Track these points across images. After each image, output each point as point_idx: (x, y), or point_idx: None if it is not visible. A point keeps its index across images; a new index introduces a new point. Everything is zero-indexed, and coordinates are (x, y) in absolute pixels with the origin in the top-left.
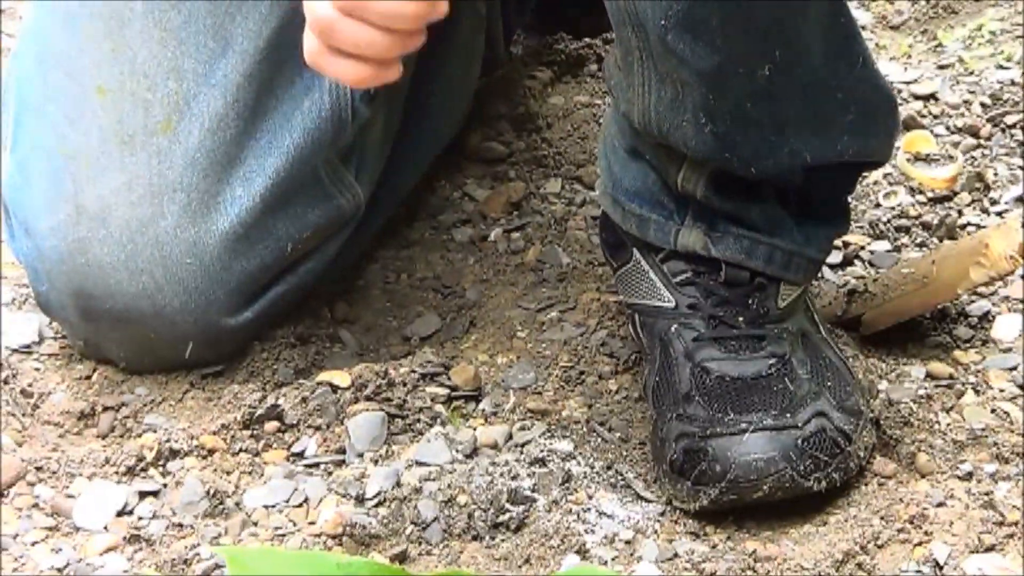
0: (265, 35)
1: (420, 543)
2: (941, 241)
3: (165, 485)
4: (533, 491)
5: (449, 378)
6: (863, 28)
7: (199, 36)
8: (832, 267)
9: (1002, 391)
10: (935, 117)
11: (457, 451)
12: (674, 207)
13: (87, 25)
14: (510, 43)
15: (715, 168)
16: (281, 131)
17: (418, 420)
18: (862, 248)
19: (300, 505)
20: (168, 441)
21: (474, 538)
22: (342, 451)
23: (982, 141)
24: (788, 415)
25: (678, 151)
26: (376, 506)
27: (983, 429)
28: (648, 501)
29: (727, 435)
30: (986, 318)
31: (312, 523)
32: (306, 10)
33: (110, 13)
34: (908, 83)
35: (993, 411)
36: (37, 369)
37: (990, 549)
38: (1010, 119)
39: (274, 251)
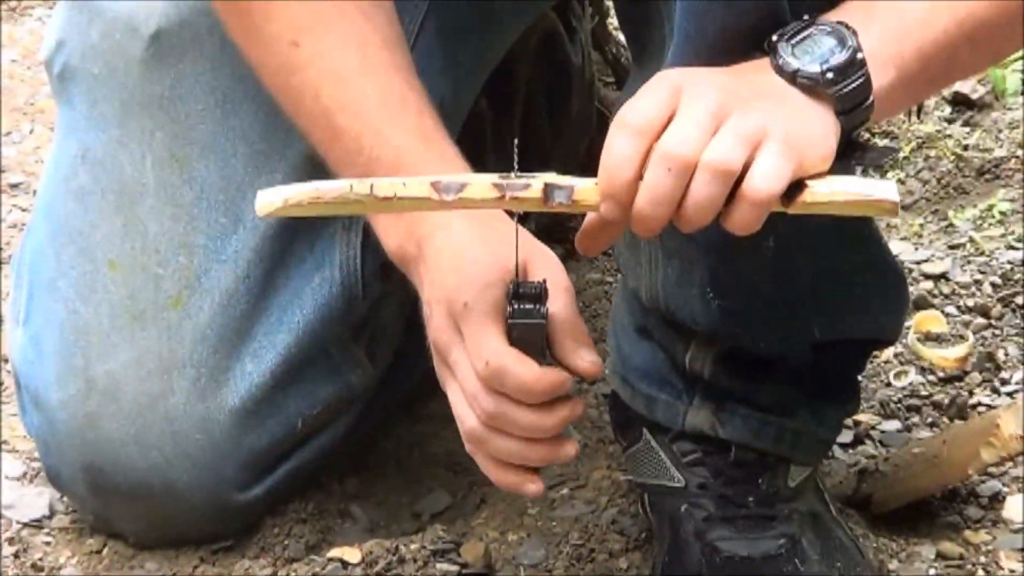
0: None
1: None
2: (952, 421)
3: None
4: None
5: (460, 555)
6: None
7: (210, 212)
8: (843, 446)
9: (1012, 571)
10: (946, 297)
11: None
12: (683, 387)
13: (99, 200)
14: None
15: (724, 347)
16: (291, 307)
17: None
18: (872, 427)
19: None
20: None
21: None
22: None
23: (993, 321)
24: None
25: (686, 329)
26: None
27: None
28: None
29: None
30: (996, 498)
31: None
32: (457, 420)
33: (122, 188)
34: (919, 263)
35: None
36: (48, 543)
37: None
38: (1021, 299)
39: (284, 427)
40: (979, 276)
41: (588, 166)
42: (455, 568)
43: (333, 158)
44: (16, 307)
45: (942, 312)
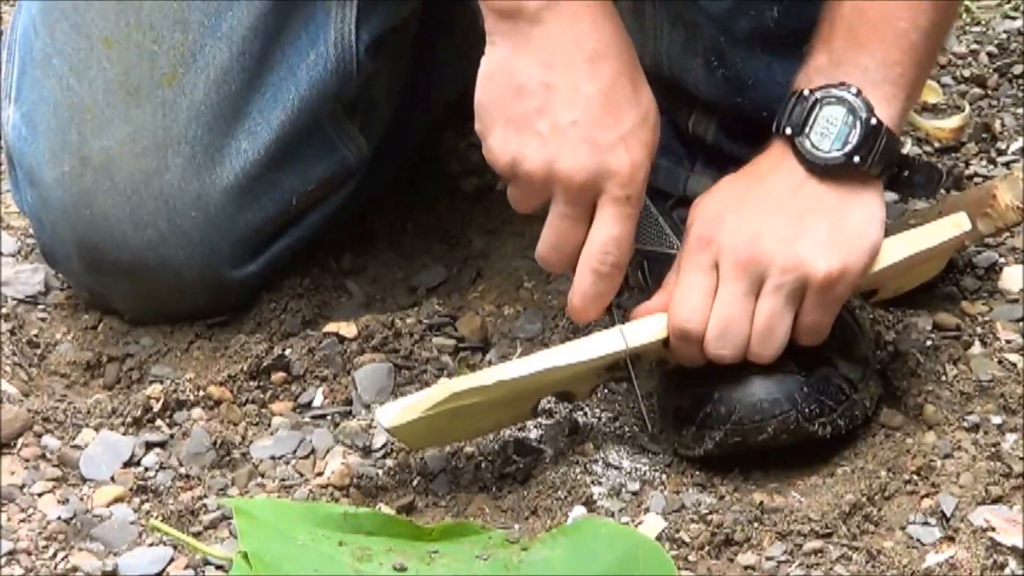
0: None
1: (427, 494)
2: (948, 191)
3: (172, 436)
4: (540, 442)
5: (456, 329)
6: None
7: None
8: None
9: (1009, 342)
10: (942, 67)
11: None
12: (684, 153)
13: None
14: None
15: (726, 113)
16: (286, 84)
17: (425, 371)
18: None
19: (307, 456)
20: (175, 392)
21: (481, 489)
22: (349, 402)
23: (989, 91)
24: (793, 361)
25: (689, 96)
26: (383, 457)
27: (990, 380)
28: (655, 453)
29: (732, 380)
30: (993, 269)
31: (319, 474)
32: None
33: None
34: None
35: (1000, 362)
36: (43, 320)
37: (997, 500)
38: (1017, 69)
39: (279, 204)
40: (975, 46)
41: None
42: (451, 342)
43: None
44: (7, 84)
45: (938, 82)
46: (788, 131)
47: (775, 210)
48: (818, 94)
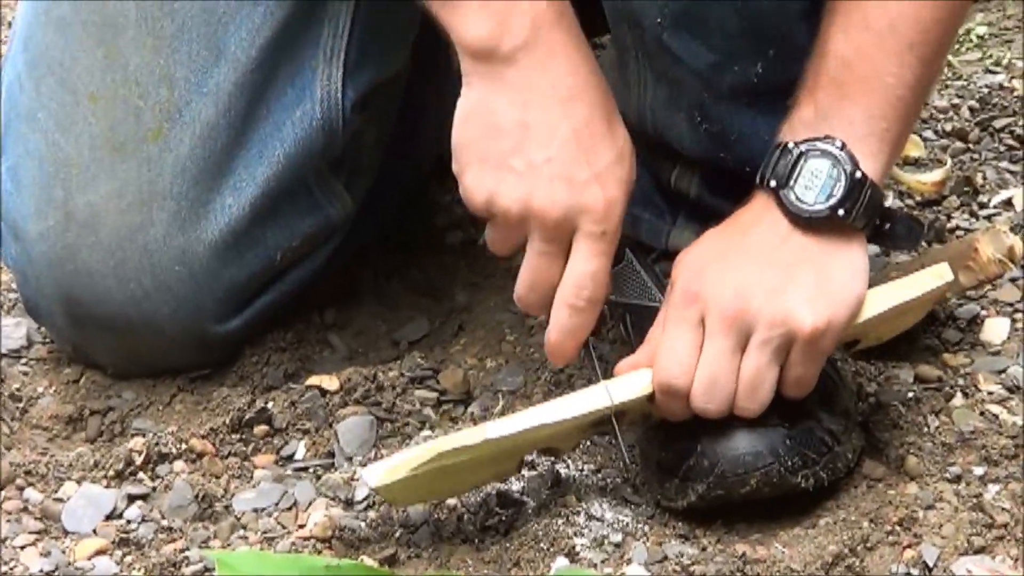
0: (258, 44)
1: (409, 546)
2: (930, 245)
3: (154, 488)
4: (522, 494)
5: (438, 382)
6: None
7: (192, 44)
8: None
9: (991, 394)
10: (924, 121)
11: None
12: (666, 207)
13: (80, 32)
14: None
15: (708, 168)
16: (272, 140)
17: (407, 424)
18: None
19: (289, 508)
20: (157, 444)
21: (463, 541)
22: (331, 455)
23: (971, 145)
24: (776, 414)
25: (672, 150)
26: (365, 509)
27: (972, 432)
28: (637, 504)
29: (716, 432)
30: (975, 321)
31: (301, 526)
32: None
33: (103, 20)
34: None
35: (982, 414)
36: (25, 373)
37: (979, 551)
38: (998, 123)
39: (263, 260)
40: (957, 100)
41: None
42: (433, 395)
43: None
44: None
45: (920, 136)
46: (772, 183)
47: (760, 263)
48: (803, 147)
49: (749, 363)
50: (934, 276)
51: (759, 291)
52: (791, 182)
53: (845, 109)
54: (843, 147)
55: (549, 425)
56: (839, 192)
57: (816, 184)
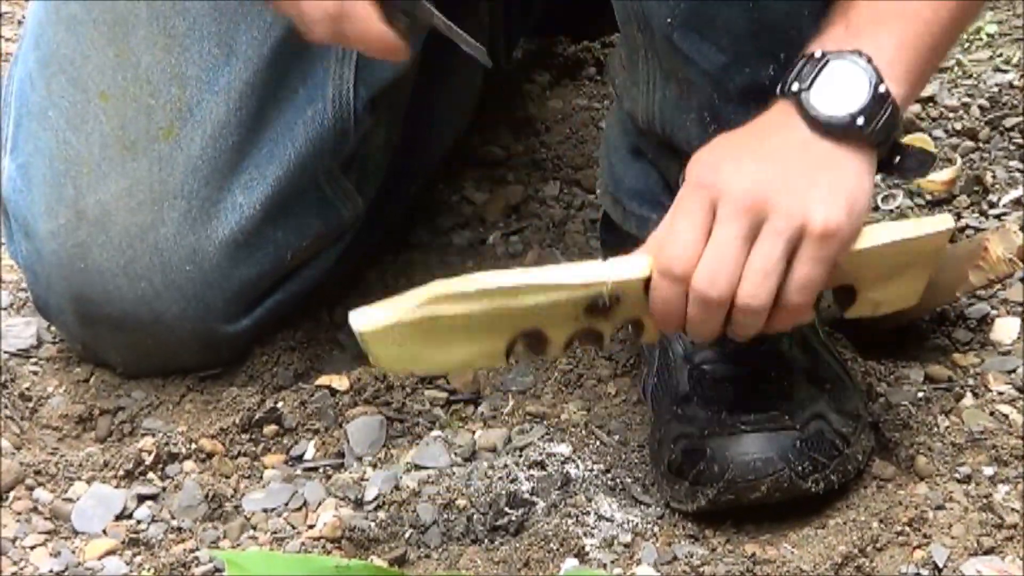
0: (269, 43)
1: (419, 546)
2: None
3: (164, 488)
4: (532, 494)
5: (448, 382)
6: None
7: (203, 43)
8: None
9: (1001, 394)
10: (933, 120)
11: (456, 454)
12: None
13: (91, 30)
14: (512, 50)
15: None
16: (283, 140)
17: (417, 424)
18: None
19: (299, 509)
20: (167, 444)
21: (473, 541)
22: (341, 455)
23: (980, 144)
24: (786, 417)
25: (681, 150)
26: (375, 509)
27: (982, 432)
28: (647, 504)
29: (725, 435)
30: (985, 321)
31: (311, 527)
32: None
33: (114, 19)
34: None
35: (992, 414)
36: (35, 373)
37: (989, 552)
38: (1008, 122)
39: (273, 259)
40: (967, 99)
41: None
42: (443, 395)
43: None
44: (3, 136)
45: (930, 135)
46: (795, 87)
47: (778, 161)
48: (830, 56)
49: (760, 250)
50: (935, 222)
51: (778, 185)
52: (813, 87)
53: (878, 33)
54: (870, 61)
55: (543, 288)
56: (861, 102)
57: (839, 92)
